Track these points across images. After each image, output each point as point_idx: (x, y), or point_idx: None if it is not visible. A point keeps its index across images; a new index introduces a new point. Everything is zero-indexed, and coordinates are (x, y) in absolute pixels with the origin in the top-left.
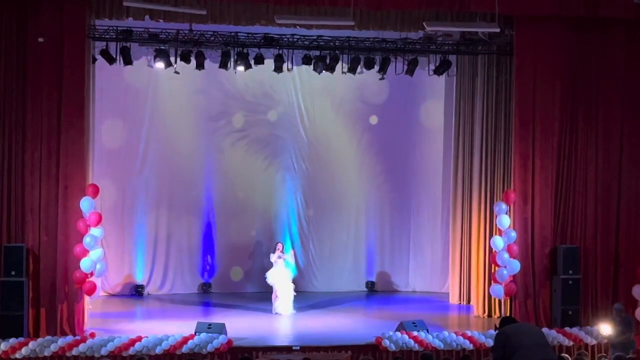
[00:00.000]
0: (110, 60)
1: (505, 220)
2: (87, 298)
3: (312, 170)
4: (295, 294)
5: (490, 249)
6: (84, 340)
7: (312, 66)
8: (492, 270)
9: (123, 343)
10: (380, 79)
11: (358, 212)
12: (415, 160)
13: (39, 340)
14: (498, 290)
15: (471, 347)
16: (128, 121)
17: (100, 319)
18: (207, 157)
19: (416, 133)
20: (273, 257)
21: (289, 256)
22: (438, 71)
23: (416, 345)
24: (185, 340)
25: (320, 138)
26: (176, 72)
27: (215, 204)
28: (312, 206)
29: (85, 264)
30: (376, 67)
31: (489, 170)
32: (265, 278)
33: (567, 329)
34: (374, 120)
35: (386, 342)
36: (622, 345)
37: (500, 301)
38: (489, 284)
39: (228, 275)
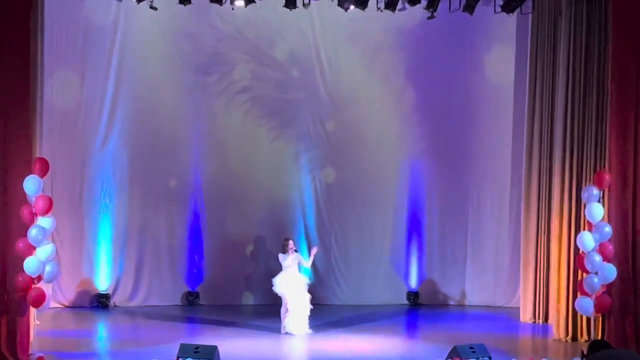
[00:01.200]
0: None
1: (597, 211)
2: (33, 311)
3: (336, 141)
4: (312, 307)
5: (577, 249)
6: None
7: (336, 0)
8: (579, 278)
9: None
10: (428, 18)
11: (397, 201)
12: (476, 130)
13: None
14: (586, 304)
15: None
16: (89, 74)
17: (51, 338)
18: (194, 124)
19: (477, 93)
20: (285, 260)
21: (308, 260)
22: (508, 7)
23: None
24: None
25: (347, 99)
26: (153, 8)
27: (205, 186)
28: (335, 190)
29: (30, 264)
30: (423, 2)
31: (576, 143)
32: (272, 286)
33: None
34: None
35: None
36: None
37: (588, 319)
38: (574, 297)
39: (221, 283)
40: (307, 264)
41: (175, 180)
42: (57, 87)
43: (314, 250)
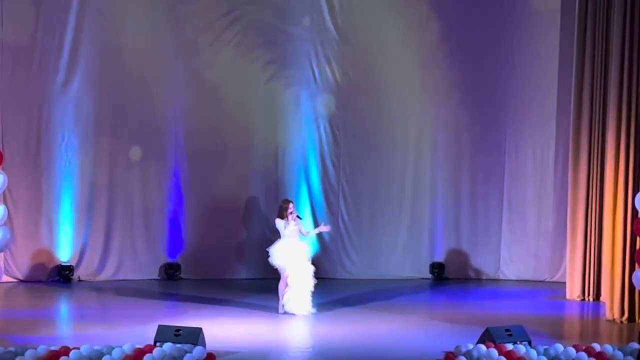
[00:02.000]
0: None
1: None
2: None
3: (346, 84)
4: (315, 282)
5: (635, 211)
6: None
7: None
8: (638, 247)
9: (40, 358)
10: None
11: (419, 153)
12: (514, 65)
13: None
14: None
15: None
16: (46, 1)
17: (2, 319)
18: (173, 62)
19: (515, 20)
20: (286, 227)
21: (312, 230)
22: None
23: None
24: (139, 353)
25: (360, 32)
26: None
27: (186, 138)
28: (343, 142)
29: None
30: None
31: (635, 79)
32: (268, 257)
33: None
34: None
35: None
36: None
37: None
38: (632, 269)
39: (207, 253)
40: (309, 232)
41: (151, 131)
42: (7, 18)
43: (324, 229)
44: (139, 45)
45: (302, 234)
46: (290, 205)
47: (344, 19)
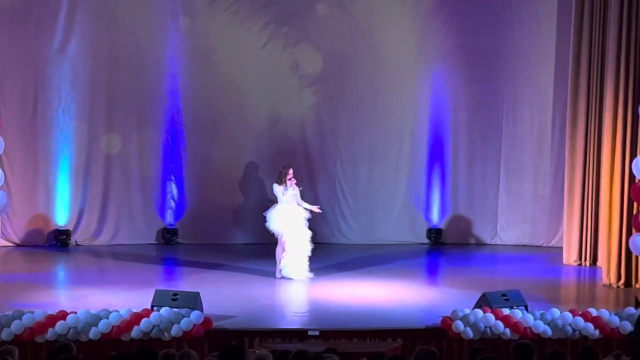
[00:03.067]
0: None
1: None
2: None
3: (341, 46)
4: (313, 246)
5: (632, 177)
6: None
7: None
8: (634, 212)
9: (37, 322)
10: None
11: (416, 117)
12: (512, 29)
13: None
14: None
15: (597, 334)
16: None
17: (0, 284)
18: (169, 25)
19: None
20: (284, 193)
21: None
22: None
23: (507, 330)
24: (136, 318)
25: None
26: None
27: (184, 102)
28: (341, 105)
29: None
30: None
31: (634, 45)
32: (266, 222)
33: None
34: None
35: (459, 325)
36: None
37: None
38: (628, 234)
39: (204, 218)
40: (302, 204)
41: (148, 95)
42: None
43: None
44: (135, 9)
45: (298, 203)
46: (290, 171)
47: None
